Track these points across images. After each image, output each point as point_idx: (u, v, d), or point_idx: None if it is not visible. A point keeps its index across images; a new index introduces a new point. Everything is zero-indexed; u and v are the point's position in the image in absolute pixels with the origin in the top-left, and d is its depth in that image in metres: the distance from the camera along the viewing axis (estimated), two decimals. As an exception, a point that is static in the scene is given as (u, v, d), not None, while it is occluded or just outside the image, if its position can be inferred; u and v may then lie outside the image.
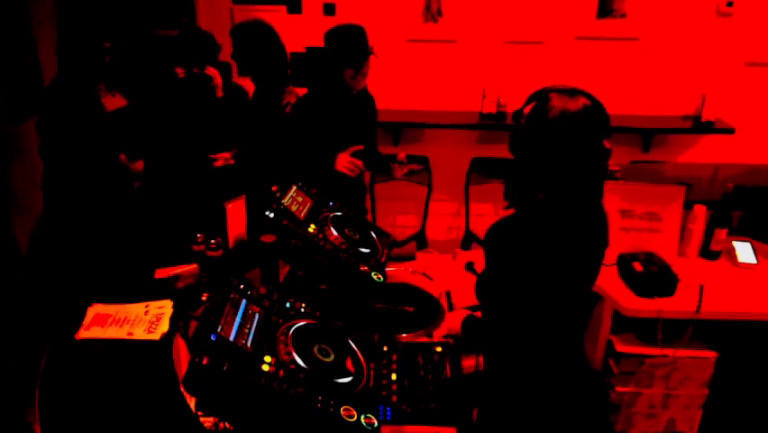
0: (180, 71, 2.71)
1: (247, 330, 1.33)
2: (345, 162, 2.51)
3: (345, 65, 2.45)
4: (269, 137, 2.73)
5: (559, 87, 1.42)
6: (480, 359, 1.78)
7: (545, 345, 1.49)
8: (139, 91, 2.86)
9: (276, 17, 3.84)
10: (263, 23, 2.80)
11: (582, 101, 1.38)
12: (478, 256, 2.35)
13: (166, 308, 1.89)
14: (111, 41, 2.76)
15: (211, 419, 1.42)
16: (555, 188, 1.40)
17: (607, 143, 1.41)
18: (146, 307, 1.90)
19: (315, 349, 1.39)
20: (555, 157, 1.38)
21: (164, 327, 1.79)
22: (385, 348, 1.75)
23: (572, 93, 1.40)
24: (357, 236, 1.89)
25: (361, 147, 2.55)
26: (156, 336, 1.76)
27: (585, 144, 1.38)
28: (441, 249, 2.59)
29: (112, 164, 2.71)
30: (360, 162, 2.54)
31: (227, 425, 1.40)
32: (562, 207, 1.41)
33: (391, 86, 3.95)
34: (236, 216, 2.17)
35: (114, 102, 2.70)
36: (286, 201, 1.82)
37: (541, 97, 1.41)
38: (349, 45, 2.45)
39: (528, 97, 1.44)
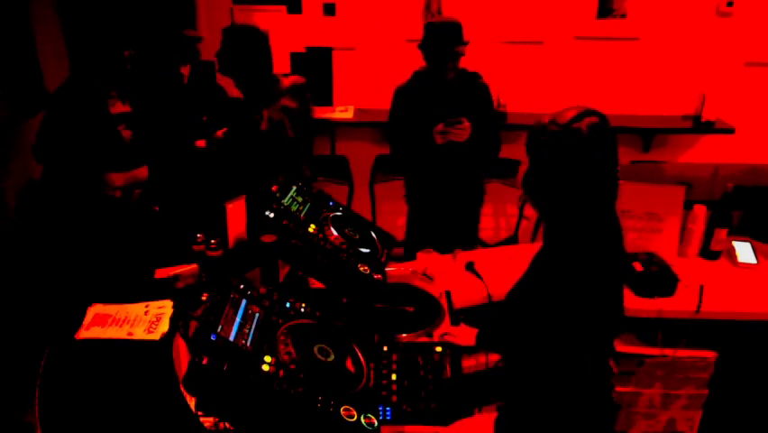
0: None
1: (247, 330, 1.33)
2: (438, 128, 2.65)
3: (432, 54, 2.70)
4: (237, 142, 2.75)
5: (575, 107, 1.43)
6: (482, 359, 1.78)
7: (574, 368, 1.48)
8: (146, 97, 2.88)
9: (276, 17, 3.85)
10: (258, 31, 2.80)
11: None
12: (478, 256, 2.35)
13: (166, 308, 1.89)
14: (129, 47, 2.77)
15: (211, 419, 1.42)
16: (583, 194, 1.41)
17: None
18: (146, 307, 1.90)
19: (315, 349, 1.39)
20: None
21: (164, 327, 1.79)
22: (385, 348, 1.75)
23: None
24: (357, 236, 1.89)
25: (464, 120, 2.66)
26: (156, 336, 1.76)
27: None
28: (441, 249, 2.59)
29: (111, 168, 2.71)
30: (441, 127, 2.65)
31: (227, 425, 1.40)
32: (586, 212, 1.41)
33: (391, 86, 3.95)
34: (236, 216, 2.16)
35: (117, 107, 2.71)
36: (286, 201, 1.82)
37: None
38: (433, 37, 2.68)
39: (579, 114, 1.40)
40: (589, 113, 1.38)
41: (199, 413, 1.36)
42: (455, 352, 1.78)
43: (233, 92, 3.48)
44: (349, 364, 1.43)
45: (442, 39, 2.67)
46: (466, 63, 3.85)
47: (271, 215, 1.73)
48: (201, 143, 3.00)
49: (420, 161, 2.85)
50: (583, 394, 1.50)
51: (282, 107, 2.72)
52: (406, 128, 2.78)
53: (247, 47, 2.69)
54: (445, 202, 2.89)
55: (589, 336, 1.47)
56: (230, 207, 2.12)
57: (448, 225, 2.88)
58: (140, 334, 1.77)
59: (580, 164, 1.37)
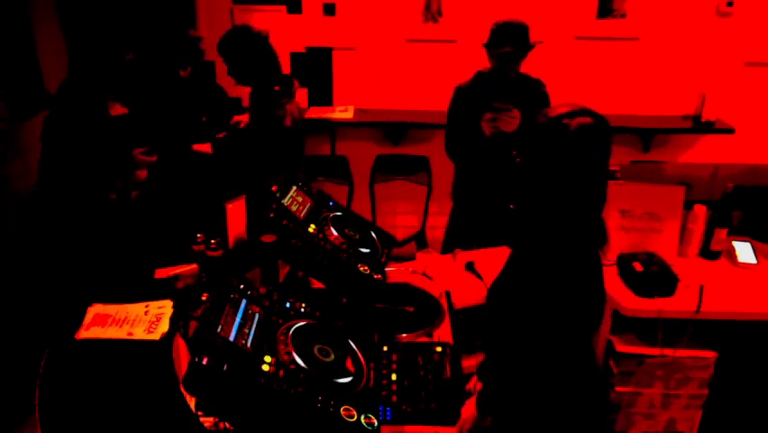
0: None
1: (247, 330, 1.33)
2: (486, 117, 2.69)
3: (495, 53, 2.77)
4: (263, 146, 2.75)
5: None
6: (482, 359, 1.78)
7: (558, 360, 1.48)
8: (144, 99, 2.88)
9: (276, 17, 3.85)
10: (248, 31, 2.79)
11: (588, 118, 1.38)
12: (478, 256, 2.35)
13: (166, 308, 1.89)
14: (130, 49, 2.78)
15: (211, 419, 1.42)
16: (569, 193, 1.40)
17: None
18: (146, 307, 1.90)
19: (315, 349, 1.39)
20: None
21: (164, 327, 1.79)
22: (385, 348, 1.75)
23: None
24: (357, 236, 1.89)
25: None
26: (156, 336, 1.76)
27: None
28: (441, 249, 2.59)
29: (114, 168, 2.71)
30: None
31: (227, 425, 1.40)
32: (572, 212, 1.40)
33: (391, 86, 3.95)
34: (236, 216, 2.16)
35: (115, 109, 2.71)
36: (286, 201, 1.82)
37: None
38: (497, 36, 2.76)
39: (571, 111, 1.39)
40: (584, 112, 1.37)
41: (199, 413, 1.36)
42: (455, 352, 1.78)
43: (233, 92, 3.49)
44: (349, 364, 1.43)
45: (505, 39, 2.72)
46: (466, 63, 3.86)
47: (271, 215, 1.73)
48: (200, 147, 3.00)
49: (476, 158, 2.86)
50: (571, 391, 1.50)
51: (299, 107, 2.78)
52: (466, 128, 2.80)
53: (251, 51, 2.71)
54: (496, 200, 2.89)
55: (577, 334, 1.47)
56: (230, 207, 2.13)
57: (498, 223, 2.88)
58: (140, 334, 1.77)
59: (568, 162, 1.36)
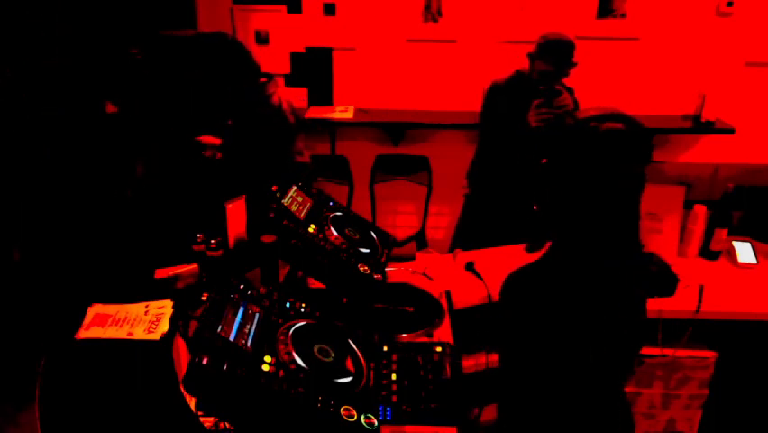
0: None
1: (247, 330, 1.33)
2: (532, 115, 2.67)
3: (535, 69, 2.80)
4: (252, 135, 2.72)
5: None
6: (482, 359, 1.78)
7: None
8: (143, 98, 2.87)
9: (276, 17, 3.85)
10: (226, 38, 2.76)
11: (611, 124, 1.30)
12: (478, 256, 2.35)
13: (166, 308, 1.89)
14: (133, 47, 2.77)
15: (211, 419, 1.42)
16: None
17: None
18: (146, 307, 1.90)
19: (315, 349, 1.39)
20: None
21: (164, 327, 1.79)
22: (385, 348, 1.75)
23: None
24: (357, 236, 1.89)
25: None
26: (156, 336, 1.76)
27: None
28: (441, 249, 2.59)
29: (115, 166, 2.71)
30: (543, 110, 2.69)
31: (227, 425, 1.40)
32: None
33: (391, 86, 3.95)
34: (236, 216, 2.16)
35: (109, 107, 2.71)
36: (286, 201, 1.82)
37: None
38: (541, 52, 2.78)
39: (601, 115, 1.31)
40: (616, 117, 1.29)
41: (199, 413, 1.37)
42: (455, 352, 1.78)
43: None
44: (349, 364, 1.43)
45: (551, 59, 2.72)
46: (466, 63, 3.87)
47: (271, 215, 1.73)
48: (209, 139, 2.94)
49: (521, 149, 2.85)
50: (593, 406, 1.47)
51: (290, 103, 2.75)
52: (501, 124, 2.80)
53: (236, 57, 2.68)
54: (516, 196, 2.87)
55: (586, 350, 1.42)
56: (230, 207, 2.12)
57: (513, 221, 2.86)
58: (140, 334, 1.77)
59: (592, 165, 1.28)
